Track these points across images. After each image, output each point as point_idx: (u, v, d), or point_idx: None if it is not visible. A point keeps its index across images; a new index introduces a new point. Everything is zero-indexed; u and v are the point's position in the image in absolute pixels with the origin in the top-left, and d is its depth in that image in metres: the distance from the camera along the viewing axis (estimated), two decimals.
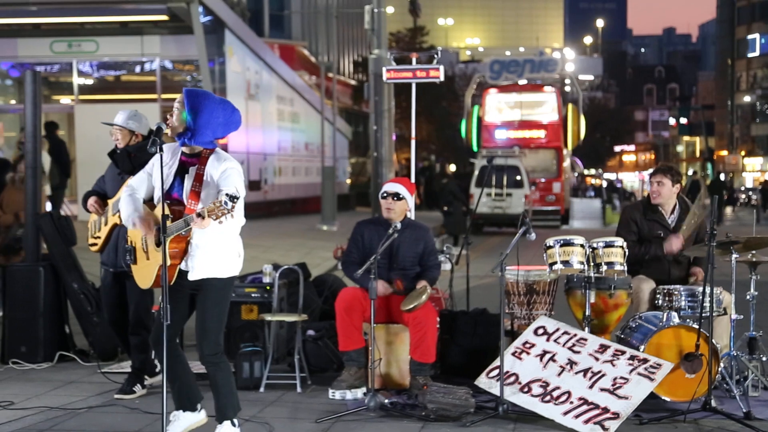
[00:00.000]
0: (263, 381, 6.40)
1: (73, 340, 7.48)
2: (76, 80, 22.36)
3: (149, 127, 6.18)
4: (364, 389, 6.16)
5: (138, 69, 22.70)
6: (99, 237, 6.24)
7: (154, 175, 4.89)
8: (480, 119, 30.72)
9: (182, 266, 4.78)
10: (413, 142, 9.13)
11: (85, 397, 6.18)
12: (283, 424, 5.55)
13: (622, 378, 5.64)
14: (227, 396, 4.92)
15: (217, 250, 4.80)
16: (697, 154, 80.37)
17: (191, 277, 4.79)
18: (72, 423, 5.59)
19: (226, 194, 4.35)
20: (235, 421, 4.95)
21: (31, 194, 7.45)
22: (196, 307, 4.91)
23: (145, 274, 4.93)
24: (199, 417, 5.07)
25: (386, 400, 5.88)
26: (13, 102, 23.16)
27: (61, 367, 7.09)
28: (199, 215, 4.43)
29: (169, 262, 4.60)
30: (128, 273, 5.40)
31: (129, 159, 6.05)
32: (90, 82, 22.94)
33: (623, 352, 5.85)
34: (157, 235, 4.71)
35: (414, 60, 8.96)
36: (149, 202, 4.93)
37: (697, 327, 5.84)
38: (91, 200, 6.18)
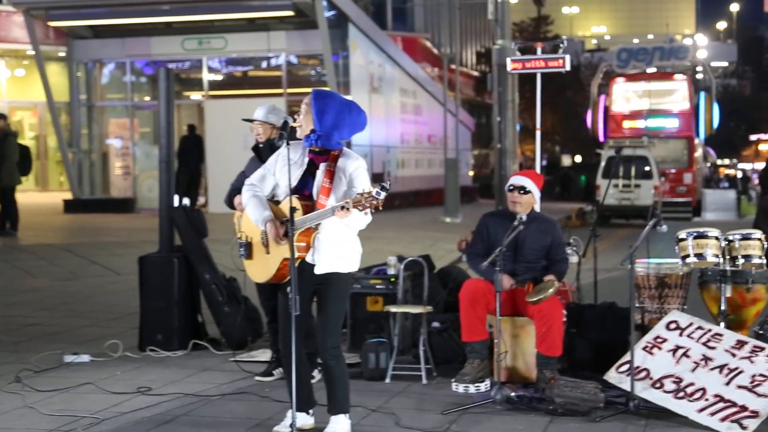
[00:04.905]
0: (389, 372, 6.44)
1: (206, 329, 7.70)
2: (206, 76, 23.02)
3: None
4: (487, 382, 6.12)
5: (264, 64, 23.18)
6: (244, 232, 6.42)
7: (277, 172, 4.93)
8: (607, 109, 30.14)
9: (308, 259, 4.82)
10: (538, 133, 8.98)
11: (218, 385, 6.35)
12: (409, 415, 5.56)
13: (761, 375, 5.41)
14: (344, 389, 4.96)
15: (343, 245, 4.85)
16: None
17: (317, 270, 4.83)
18: (206, 409, 5.75)
19: (380, 185, 4.40)
20: (348, 415, 4.98)
21: (164, 187, 7.69)
22: (320, 300, 4.94)
23: (262, 267, 4.95)
24: (310, 421, 5.13)
25: (512, 394, 5.82)
26: (147, 98, 24.07)
27: (194, 355, 7.31)
28: (342, 207, 4.48)
29: (296, 255, 4.68)
30: None
31: (272, 152, 6.20)
32: (219, 78, 23.60)
33: (762, 349, 5.61)
34: (284, 229, 4.77)
35: (539, 50, 8.79)
36: (270, 199, 4.97)
37: None
38: (237, 198, 6.37)
